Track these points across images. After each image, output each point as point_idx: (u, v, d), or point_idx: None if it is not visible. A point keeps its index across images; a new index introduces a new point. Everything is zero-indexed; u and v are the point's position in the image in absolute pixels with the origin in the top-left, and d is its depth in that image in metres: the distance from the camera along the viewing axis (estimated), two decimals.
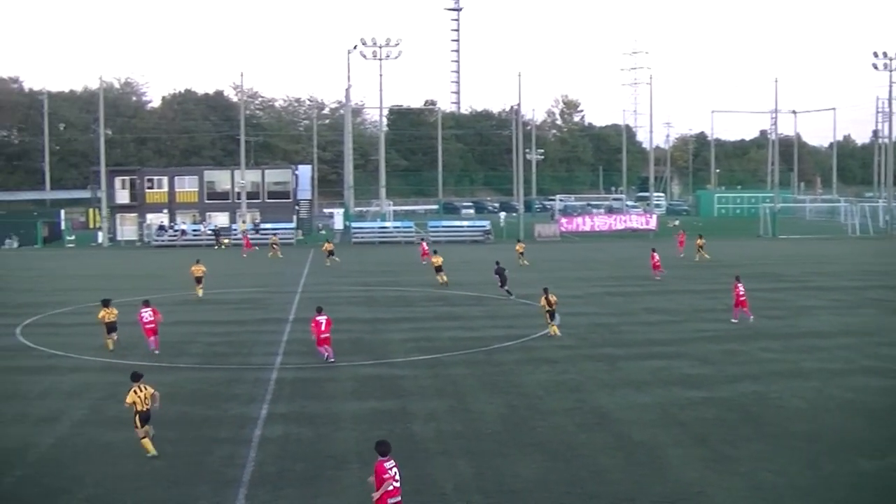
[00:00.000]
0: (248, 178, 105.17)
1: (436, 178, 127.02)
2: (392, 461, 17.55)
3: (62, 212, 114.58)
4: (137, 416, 22.95)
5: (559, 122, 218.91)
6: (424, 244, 75.30)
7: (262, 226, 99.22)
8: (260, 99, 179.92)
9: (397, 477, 17.36)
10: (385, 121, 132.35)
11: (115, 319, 36.63)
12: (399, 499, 17.39)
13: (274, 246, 79.68)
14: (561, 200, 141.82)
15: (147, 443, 22.82)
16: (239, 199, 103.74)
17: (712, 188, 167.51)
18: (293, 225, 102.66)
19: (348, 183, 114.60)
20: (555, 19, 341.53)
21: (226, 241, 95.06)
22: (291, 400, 27.92)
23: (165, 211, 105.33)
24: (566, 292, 51.16)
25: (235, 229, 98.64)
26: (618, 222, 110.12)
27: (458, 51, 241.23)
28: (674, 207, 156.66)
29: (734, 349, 35.53)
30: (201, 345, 37.52)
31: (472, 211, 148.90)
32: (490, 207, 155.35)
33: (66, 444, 23.73)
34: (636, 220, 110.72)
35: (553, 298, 38.66)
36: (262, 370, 32.18)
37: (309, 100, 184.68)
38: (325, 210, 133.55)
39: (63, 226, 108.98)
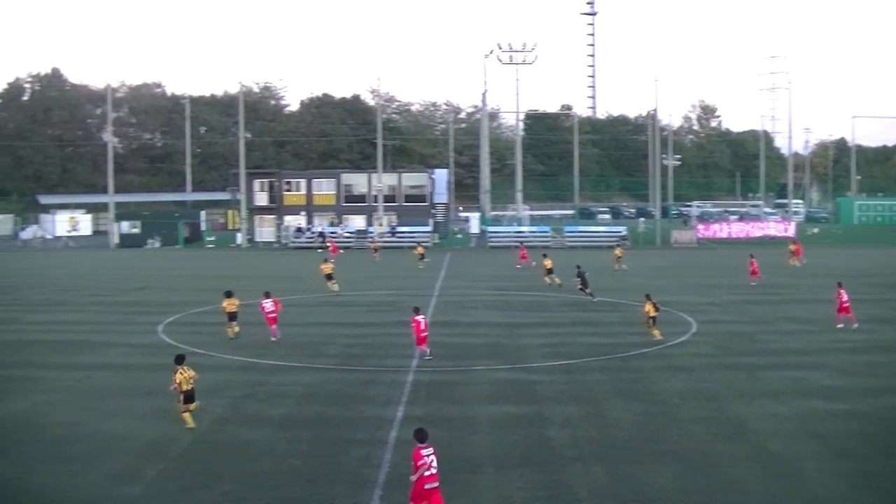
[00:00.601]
0: (384, 181, 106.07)
1: (572, 182, 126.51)
2: (430, 448, 18.30)
3: (202, 213, 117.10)
4: (182, 395, 25.28)
5: (696, 127, 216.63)
6: (524, 250, 74.89)
7: (399, 229, 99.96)
8: (396, 103, 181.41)
9: (434, 464, 18.03)
10: (521, 125, 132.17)
11: (236, 310, 39.29)
12: (436, 485, 17.98)
13: (419, 252, 77.86)
14: (697, 207, 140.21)
15: (188, 416, 25.29)
16: (376, 202, 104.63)
17: (853, 195, 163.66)
18: (429, 228, 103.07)
19: (484, 187, 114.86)
20: (691, 23, 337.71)
21: (328, 243, 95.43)
22: (427, 403, 27.97)
23: (303, 213, 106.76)
24: (703, 299, 50.58)
25: (372, 232, 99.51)
26: (755, 229, 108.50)
27: (593, 55, 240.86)
28: (812, 215, 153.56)
29: (875, 361, 34.57)
30: (338, 346, 37.85)
31: (608, 216, 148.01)
32: (626, 213, 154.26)
33: (206, 441, 24.12)
34: (774, 228, 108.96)
35: (653, 305, 38.99)
36: (397, 372, 32.31)
37: (445, 104, 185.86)
38: (461, 214, 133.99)
39: (203, 227, 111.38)
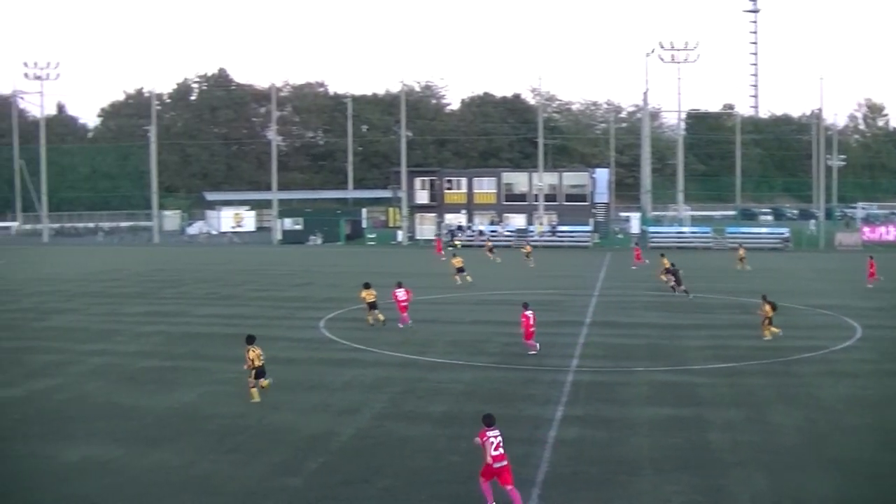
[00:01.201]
0: (545, 180, 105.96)
1: (733, 183, 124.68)
2: (496, 430, 19.45)
3: (364, 210, 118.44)
4: (254, 372, 28.07)
5: (862, 126, 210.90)
6: (639, 250, 74.01)
7: (559, 228, 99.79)
8: (557, 102, 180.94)
9: (501, 443, 19.26)
10: (682, 124, 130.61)
11: (374, 299, 42.30)
12: (505, 463, 19.17)
13: (527, 252, 77.62)
14: (863, 208, 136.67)
15: (255, 392, 28.14)
16: (536, 201, 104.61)
17: None
18: (590, 228, 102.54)
19: (645, 187, 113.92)
20: (858, 19, 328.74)
21: (457, 242, 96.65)
22: (587, 403, 27.83)
23: (463, 212, 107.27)
24: (868, 304, 49.27)
25: (532, 231, 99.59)
26: None
27: (756, 53, 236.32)
28: None
29: None
30: (498, 344, 37.93)
31: (770, 217, 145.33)
32: (789, 214, 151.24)
33: (366, 436, 24.44)
34: None
35: (771, 306, 38.63)
36: (557, 372, 32.24)
37: (606, 103, 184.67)
38: (622, 214, 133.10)
39: (364, 224, 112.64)
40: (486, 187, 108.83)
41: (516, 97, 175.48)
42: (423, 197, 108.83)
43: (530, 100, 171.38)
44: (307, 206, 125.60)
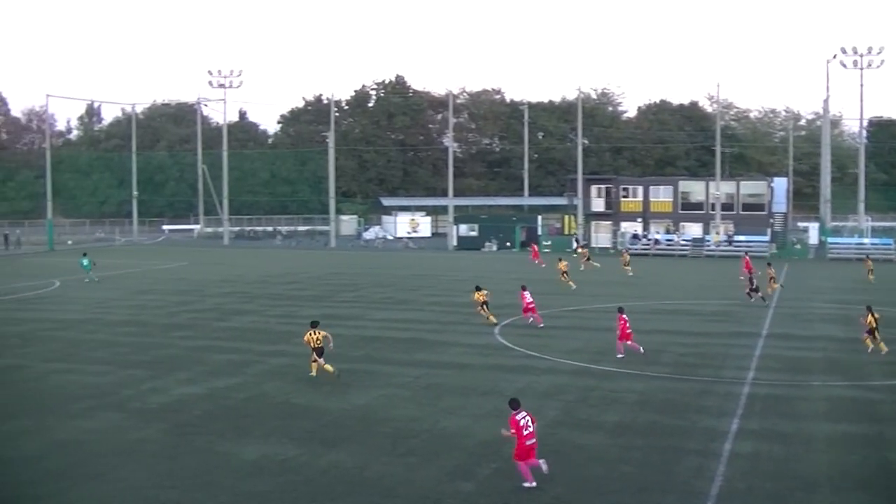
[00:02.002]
0: (722, 189, 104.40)
1: None
2: (523, 412, 21.28)
3: (539, 217, 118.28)
4: (314, 351, 32.42)
5: None
6: (748, 259, 71.90)
7: (736, 238, 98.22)
8: (735, 110, 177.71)
9: (529, 424, 21.06)
10: (864, 132, 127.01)
11: (486, 299, 46.19)
12: (534, 441, 21.17)
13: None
14: None
15: (314, 366, 32.59)
16: (713, 210, 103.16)
17: None
18: (767, 238, 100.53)
19: (825, 197, 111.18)
20: None
21: (581, 249, 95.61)
22: (763, 416, 27.31)
23: (639, 220, 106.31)
24: None
25: (709, 240, 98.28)
26: None
27: None
28: None
29: None
30: (672, 354, 37.54)
31: None
32: None
33: (539, 443, 24.39)
34: None
35: (875, 317, 37.78)
36: (733, 384, 31.73)
37: (785, 111, 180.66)
38: (800, 224, 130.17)
39: (540, 231, 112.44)
40: (662, 195, 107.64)
41: (693, 105, 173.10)
42: (598, 204, 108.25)
43: (707, 107, 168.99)
44: (482, 212, 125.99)
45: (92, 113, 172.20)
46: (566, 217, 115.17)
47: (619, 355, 36.20)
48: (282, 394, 30.47)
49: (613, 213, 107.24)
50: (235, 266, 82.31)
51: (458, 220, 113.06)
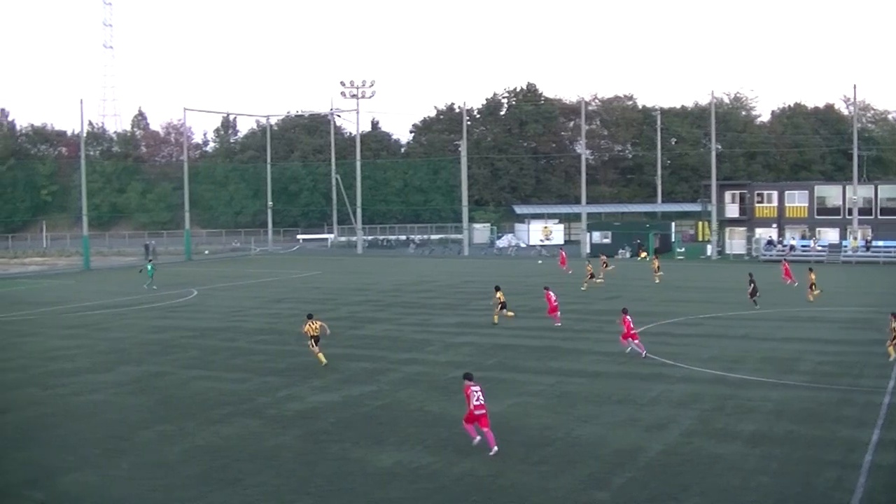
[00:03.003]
0: (859, 193, 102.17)
1: None
2: (477, 386, 24.83)
3: (673, 224, 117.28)
4: (312, 339, 37.48)
5: None
6: (787, 265, 69.70)
7: (874, 243, 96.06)
8: (872, 112, 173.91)
9: (480, 397, 24.51)
10: None
11: (503, 300, 49.68)
12: (484, 411, 24.44)
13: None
14: None
15: (321, 356, 37.41)
16: (850, 215, 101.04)
17: None
18: None
19: None
20: None
21: (643, 254, 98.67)
22: None
23: (774, 226, 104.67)
24: None
25: (846, 246, 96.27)
26: None
27: None
28: None
29: None
30: (810, 363, 36.76)
31: None
32: None
33: (675, 452, 24.16)
34: None
35: None
36: (873, 393, 30.90)
37: None
38: None
39: (673, 238, 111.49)
40: (797, 201, 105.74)
41: (829, 107, 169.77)
42: (732, 211, 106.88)
43: (843, 110, 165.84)
44: (615, 219, 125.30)
45: (228, 125, 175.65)
46: (700, 223, 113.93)
47: (627, 349, 38.91)
48: (416, 401, 30.65)
49: (748, 220, 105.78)
50: (369, 274, 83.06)
51: (590, 228, 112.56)
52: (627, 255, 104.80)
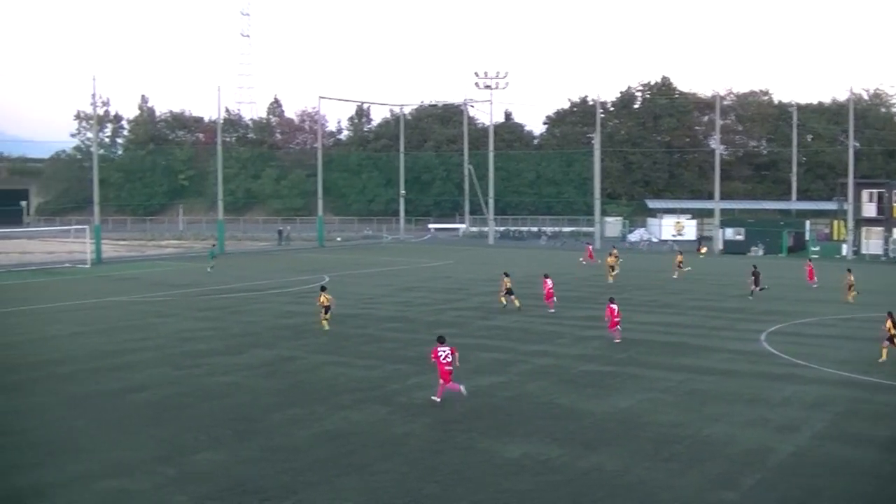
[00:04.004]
0: None
1: None
2: (446, 347, 29.13)
3: (807, 222, 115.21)
4: (324, 309, 44.68)
5: None
6: (811, 267, 67.40)
7: None
8: None
9: (448, 355, 28.97)
10: None
11: (511, 285, 52.63)
12: (451, 368, 29.00)
13: (679, 261, 74.58)
14: None
15: (325, 322, 44.73)
16: None
17: None
18: None
19: None
20: None
21: (704, 249, 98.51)
22: None
23: None
24: None
25: None
26: None
27: None
28: None
29: None
30: None
31: None
32: None
33: (805, 455, 23.83)
34: None
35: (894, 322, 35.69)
36: None
37: None
38: None
39: (808, 236, 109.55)
40: None
41: None
42: (870, 210, 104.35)
43: None
44: (748, 216, 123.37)
45: (361, 114, 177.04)
46: (835, 222, 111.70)
47: (616, 340, 41.03)
48: (545, 394, 30.68)
49: (886, 219, 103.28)
50: (500, 265, 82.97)
51: (723, 224, 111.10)
52: (760, 252, 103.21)
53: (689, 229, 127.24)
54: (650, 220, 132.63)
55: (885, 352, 36.33)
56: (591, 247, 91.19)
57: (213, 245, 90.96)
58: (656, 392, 30.95)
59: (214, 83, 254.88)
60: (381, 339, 42.19)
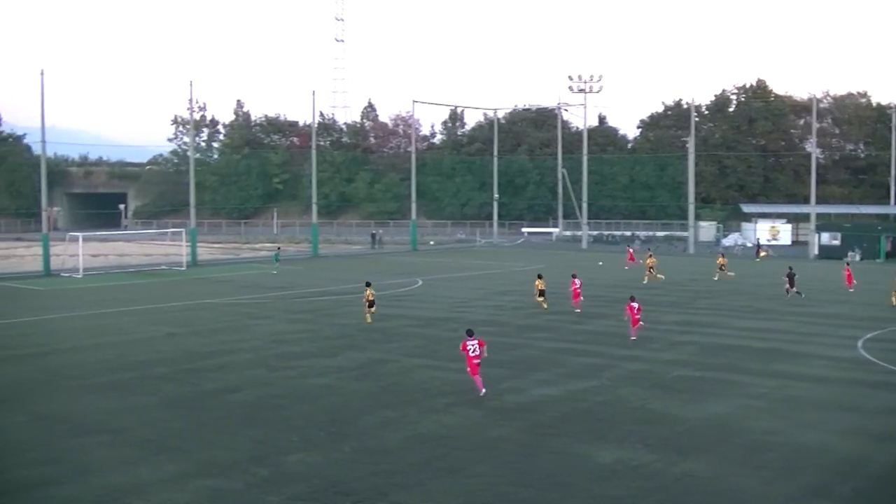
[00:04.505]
0: None
1: None
2: (474, 340, 30.65)
3: None
4: (367, 303, 48.25)
5: None
6: (849, 271, 66.25)
7: None
8: None
9: (476, 348, 30.46)
10: None
11: (544, 288, 54.22)
12: (478, 361, 30.51)
13: (721, 263, 75.77)
14: None
15: (368, 316, 48.05)
16: None
17: None
18: None
19: None
20: None
21: (763, 252, 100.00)
22: None
23: None
24: None
25: None
26: None
27: None
28: None
29: None
30: None
31: None
32: None
33: None
34: None
35: None
36: None
37: None
38: None
39: None
40: None
41: None
42: None
43: None
44: (845, 220, 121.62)
45: (455, 118, 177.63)
46: None
47: (633, 338, 42.26)
48: (637, 399, 30.59)
49: None
50: (594, 270, 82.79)
51: (819, 229, 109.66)
52: (857, 258, 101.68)
53: (785, 234, 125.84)
54: (745, 225, 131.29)
55: None
56: (631, 249, 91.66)
57: (279, 248, 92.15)
58: (750, 398, 30.68)
59: (309, 88, 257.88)
60: None
